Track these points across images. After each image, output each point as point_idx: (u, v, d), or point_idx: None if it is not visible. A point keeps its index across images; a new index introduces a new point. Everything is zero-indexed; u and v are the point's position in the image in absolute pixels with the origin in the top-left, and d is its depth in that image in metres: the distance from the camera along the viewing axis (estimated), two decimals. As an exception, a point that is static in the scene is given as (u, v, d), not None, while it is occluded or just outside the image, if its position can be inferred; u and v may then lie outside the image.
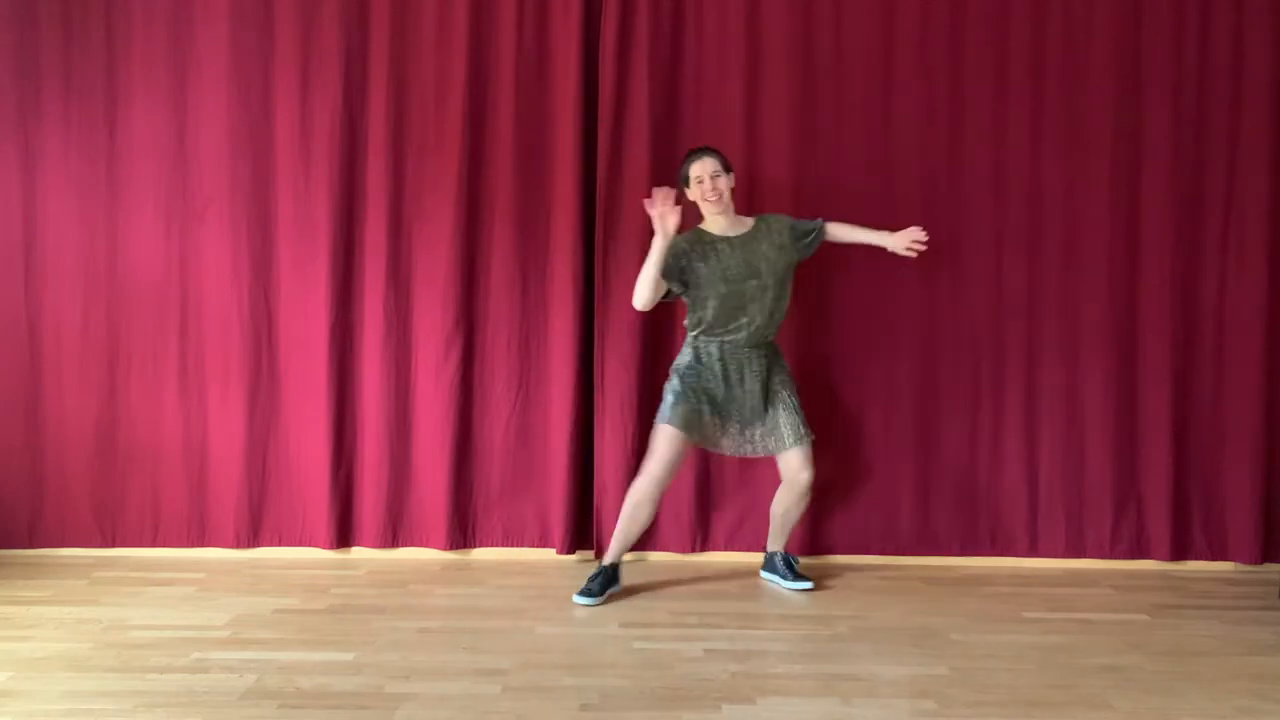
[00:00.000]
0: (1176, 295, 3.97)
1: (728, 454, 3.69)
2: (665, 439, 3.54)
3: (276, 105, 3.95)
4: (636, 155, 3.94)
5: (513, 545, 4.06)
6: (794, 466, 3.58)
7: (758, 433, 3.63)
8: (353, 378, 4.01)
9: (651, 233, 3.45)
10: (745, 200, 3.95)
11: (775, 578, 3.77)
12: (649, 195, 3.91)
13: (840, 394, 3.99)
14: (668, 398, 3.61)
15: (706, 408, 3.58)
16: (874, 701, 2.78)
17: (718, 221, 3.62)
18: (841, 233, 3.68)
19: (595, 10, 3.94)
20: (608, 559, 3.63)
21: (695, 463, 4.00)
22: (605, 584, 3.58)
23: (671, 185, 3.94)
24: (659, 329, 4.00)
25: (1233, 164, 3.94)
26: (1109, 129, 3.95)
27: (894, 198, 3.96)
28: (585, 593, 3.53)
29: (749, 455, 3.68)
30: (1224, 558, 4.02)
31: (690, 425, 3.54)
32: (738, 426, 3.63)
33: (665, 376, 4.00)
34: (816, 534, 4.01)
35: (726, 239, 3.59)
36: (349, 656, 3.04)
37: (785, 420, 3.59)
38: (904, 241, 3.61)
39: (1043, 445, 4.01)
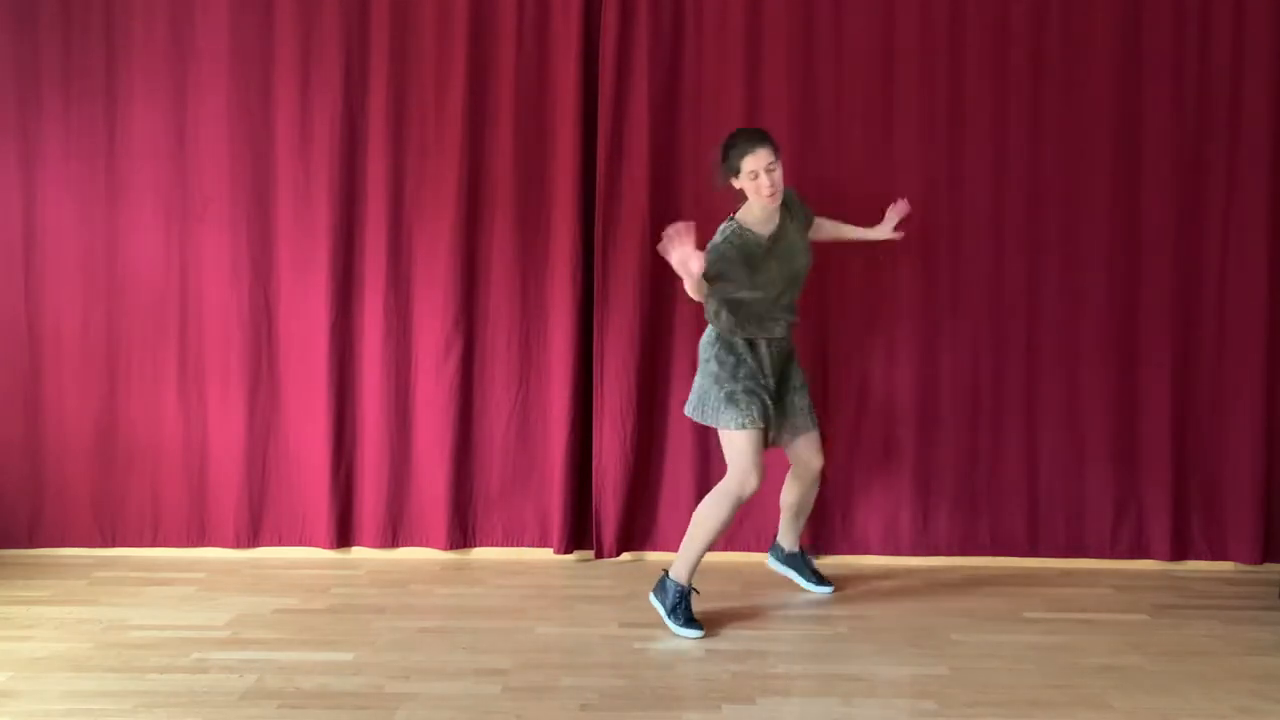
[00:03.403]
0: (1176, 294, 3.96)
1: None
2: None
3: (276, 105, 3.94)
4: (636, 155, 3.94)
5: (513, 545, 4.06)
6: (809, 452, 3.48)
7: (790, 416, 3.45)
8: (353, 377, 4.01)
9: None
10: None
11: (793, 573, 3.70)
12: (649, 195, 3.94)
13: (840, 394, 3.99)
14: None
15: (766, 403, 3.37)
16: (874, 701, 2.78)
17: (758, 213, 3.31)
18: (828, 228, 3.65)
19: (595, 10, 3.94)
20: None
21: (694, 462, 4.00)
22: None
23: (670, 181, 3.97)
24: (658, 329, 4.00)
25: (1233, 164, 3.94)
26: (1109, 128, 3.94)
27: (894, 197, 3.94)
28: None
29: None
30: (1224, 558, 4.02)
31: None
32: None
33: (664, 376, 4.01)
34: (817, 534, 4.01)
35: (766, 239, 3.31)
36: (349, 656, 3.05)
37: (803, 405, 3.45)
38: (888, 228, 3.67)
39: (1043, 445, 4.01)
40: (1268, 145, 3.92)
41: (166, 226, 3.96)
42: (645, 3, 3.92)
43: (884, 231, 3.69)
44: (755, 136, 3.26)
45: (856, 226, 3.71)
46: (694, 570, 3.33)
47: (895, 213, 3.69)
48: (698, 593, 3.36)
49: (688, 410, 3.45)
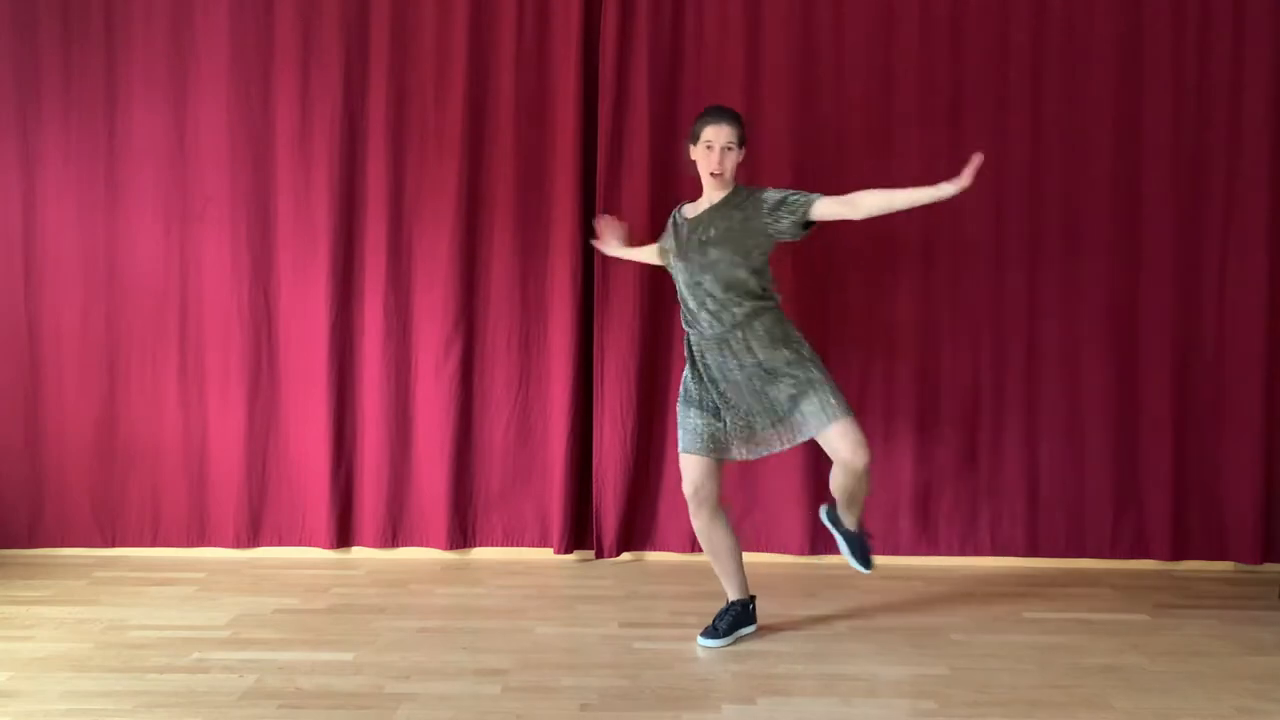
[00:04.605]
0: (1177, 294, 3.97)
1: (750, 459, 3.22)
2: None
3: (276, 105, 3.95)
4: (636, 155, 3.94)
5: (512, 545, 4.06)
6: (834, 447, 3.07)
7: (764, 426, 3.14)
8: (353, 377, 4.01)
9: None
10: (745, 200, 3.94)
11: (840, 538, 3.35)
12: (649, 195, 3.94)
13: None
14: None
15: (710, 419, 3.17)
16: (874, 701, 2.78)
17: (707, 194, 3.24)
18: (868, 203, 3.01)
19: (595, 9, 3.94)
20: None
21: (695, 463, 4.00)
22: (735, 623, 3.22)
23: (670, 181, 3.96)
24: (659, 328, 4.00)
25: (1233, 164, 3.94)
26: (1109, 129, 3.95)
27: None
28: (710, 633, 3.18)
29: (773, 451, 3.19)
30: (1224, 558, 4.02)
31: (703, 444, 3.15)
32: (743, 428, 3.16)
33: (664, 376, 4.01)
34: (817, 534, 4.01)
35: (689, 220, 3.24)
36: (349, 656, 3.05)
37: (807, 403, 3.09)
38: (963, 182, 2.87)
39: (1043, 445, 4.01)
40: (1268, 146, 3.93)
41: (166, 227, 3.97)
42: (645, 3, 3.92)
43: (952, 186, 2.88)
44: (724, 114, 3.18)
45: (914, 189, 2.97)
46: (733, 583, 3.24)
47: (972, 165, 2.88)
48: (753, 599, 3.27)
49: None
